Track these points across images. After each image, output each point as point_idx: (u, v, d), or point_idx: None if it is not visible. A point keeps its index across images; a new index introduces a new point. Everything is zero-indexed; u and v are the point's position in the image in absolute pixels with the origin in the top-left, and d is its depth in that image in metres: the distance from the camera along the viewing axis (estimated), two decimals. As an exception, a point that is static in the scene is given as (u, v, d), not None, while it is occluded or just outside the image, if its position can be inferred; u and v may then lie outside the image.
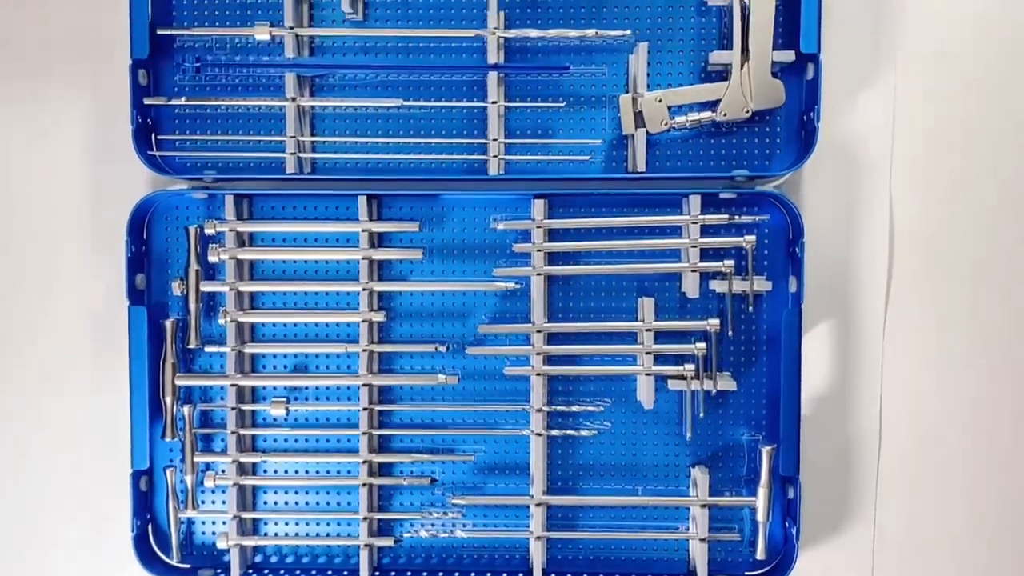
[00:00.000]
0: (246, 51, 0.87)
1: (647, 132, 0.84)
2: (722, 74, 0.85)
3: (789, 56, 0.83)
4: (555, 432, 0.87)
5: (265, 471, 0.89)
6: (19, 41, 0.90)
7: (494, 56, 0.84)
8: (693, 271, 0.85)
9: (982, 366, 0.89)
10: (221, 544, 0.87)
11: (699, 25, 0.86)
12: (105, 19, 0.88)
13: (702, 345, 0.85)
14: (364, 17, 0.87)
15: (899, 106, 0.88)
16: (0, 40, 0.90)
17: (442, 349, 0.87)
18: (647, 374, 0.85)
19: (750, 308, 0.85)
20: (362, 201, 0.86)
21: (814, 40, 0.81)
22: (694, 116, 0.84)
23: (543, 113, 0.87)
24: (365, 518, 0.87)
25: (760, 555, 0.85)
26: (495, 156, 0.85)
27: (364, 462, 0.87)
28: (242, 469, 0.88)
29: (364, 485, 0.87)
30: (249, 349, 0.88)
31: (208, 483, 0.87)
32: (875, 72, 0.88)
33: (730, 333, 0.86)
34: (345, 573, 0.89)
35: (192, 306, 0.87)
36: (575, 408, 0.87)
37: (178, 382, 0.87)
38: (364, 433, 0.87)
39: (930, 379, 0.89)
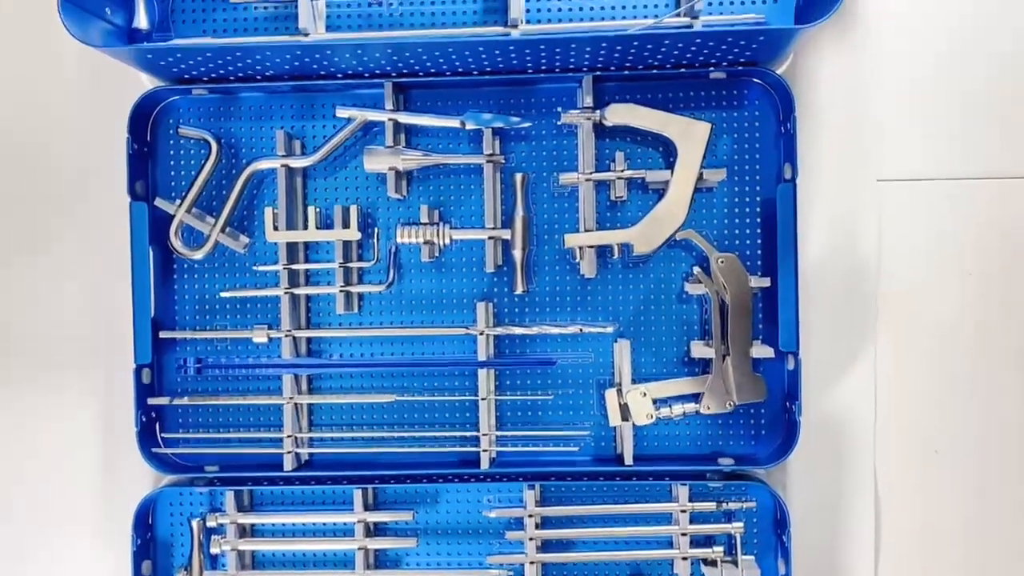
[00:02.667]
0: (246, 343, 0.90)
1: (633, 424, 0.87)
2: (706, 362, 0.87)
3: (768, 352, 0.85)
4: None
5: None
6: (30, 339, 0.94)
7: (483, 353, 0.88)
8: (684, 558, 0.86)
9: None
10: None
11: (680, 312, 0.89)
12: (113, 319, 0.92)
13: (696, 633, 0.87)
14: (359, 309, 0.90)
15: (880, 389, 0.90)
16: (10, 338, 0.94)
17: (439, 638, 0.88)
18: (642, 664, 0.87)
19: (741, 593, 0.87)
20: (357, 495, 0.88)
21: (793, 339, 0.84)
22: (678, 408, 0.87)
23: (533, 402, 0.90)
24: None
25: None
26: (486, 450, 0.88)
27: None
28: None
29: None
30: (251, 637, 0.90)
31: None
32: (856, 355, 0.90)
33: (722, 618, 0.87)
34: None
35: (195, 596, 0.89)
36: None
37: (181, 672, 0.89)
38: None
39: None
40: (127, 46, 0.84)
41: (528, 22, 0.87)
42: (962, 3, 0.89)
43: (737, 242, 0.89)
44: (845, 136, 0.89)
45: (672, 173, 0.85)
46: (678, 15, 0.85)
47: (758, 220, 0.89)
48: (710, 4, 0.87)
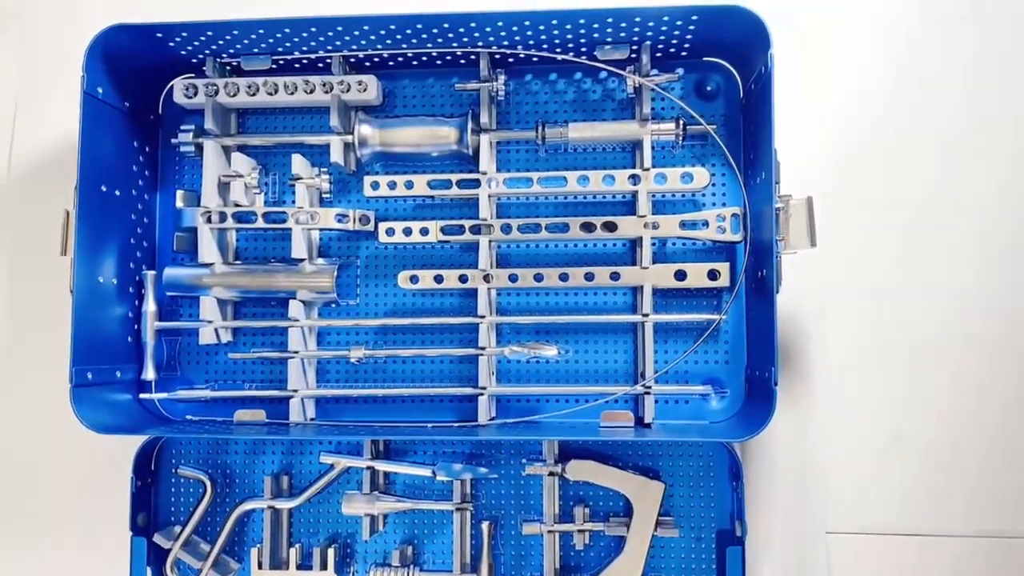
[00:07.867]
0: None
1: None
2: None
3: None
4: None
5: None
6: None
7: None
8: None
9: None
10: None
11: (644, 651, 0.94)
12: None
13: None
14: (336, 637, 0.97)
15: None
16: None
17: None
18: None
19: None
20: None
21: None
22: None
23: None
24: None
25: None
26: None
27: None
28: None
29: None
30: None
31: None
32: None
33: None
34: None
35: None
36: None
37: None
38: None
39: None
40: (139, 433, 0.94)
41: (499, 374, 0.96)
42: (903, 356, 0.95)
43: (694, 587, 0.94)
44: (794, 488, 0.94)
45: (628, 528, 0.91)
46: (639, 386, 0.92)
47: (713, 567, 0.93)
48: (667, 374, 0.94)
